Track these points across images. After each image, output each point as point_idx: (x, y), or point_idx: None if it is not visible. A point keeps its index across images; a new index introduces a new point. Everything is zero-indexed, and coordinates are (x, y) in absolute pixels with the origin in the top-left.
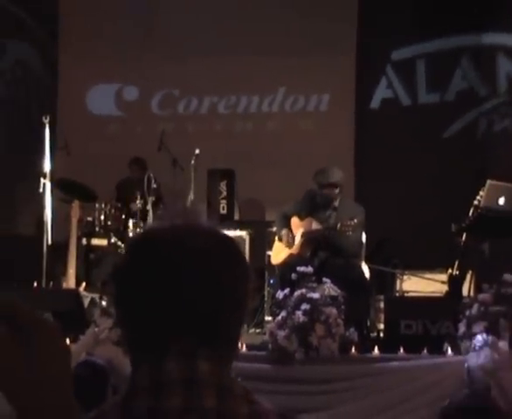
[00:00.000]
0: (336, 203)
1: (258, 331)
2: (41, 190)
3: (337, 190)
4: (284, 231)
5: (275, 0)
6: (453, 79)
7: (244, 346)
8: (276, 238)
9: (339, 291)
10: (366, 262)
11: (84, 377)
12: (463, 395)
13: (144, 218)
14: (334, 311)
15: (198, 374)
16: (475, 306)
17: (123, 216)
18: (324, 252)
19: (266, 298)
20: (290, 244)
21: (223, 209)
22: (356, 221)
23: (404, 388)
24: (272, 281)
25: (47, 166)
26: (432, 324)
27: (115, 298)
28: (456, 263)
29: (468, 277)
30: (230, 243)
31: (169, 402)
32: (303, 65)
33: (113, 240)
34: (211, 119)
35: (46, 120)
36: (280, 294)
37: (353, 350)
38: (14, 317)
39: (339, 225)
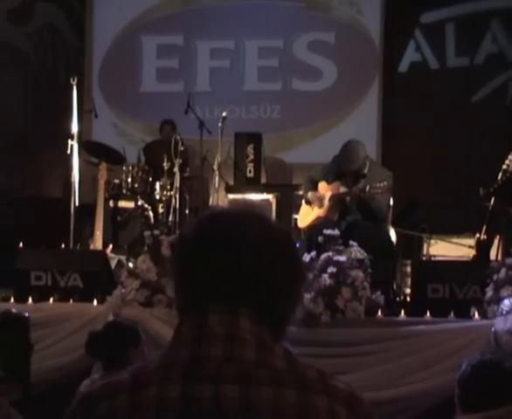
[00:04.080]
0: (365, 170)
1: None
2: (69, 152)
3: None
4: (310, 193)
5: None
6: (482, 43)
7: None
8: (303, 202)
9: (366, 254)
10: (393, 226)
11: (113, 337)
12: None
13: (171, 181)
14: (360, 274)
15: (239, 330)
16: (503, 271)
17: (150, 179)
18: (352, 215)
19: None
20: (320, 204)
21: (249, 172)
22: (385, 183)
23: (431, 351)
24: (298, 244)
25: (75, 128)
26: (459, 288)
27: (176, 263)
28: (484, 227)
29: (496, 241)
30: (288, 237)
31: (210, 351)
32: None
33: (139, 202)
34: None
35: (74, 82)
36: (306, 257)
37: (379, 313)
38: None
39: (368, 188)
